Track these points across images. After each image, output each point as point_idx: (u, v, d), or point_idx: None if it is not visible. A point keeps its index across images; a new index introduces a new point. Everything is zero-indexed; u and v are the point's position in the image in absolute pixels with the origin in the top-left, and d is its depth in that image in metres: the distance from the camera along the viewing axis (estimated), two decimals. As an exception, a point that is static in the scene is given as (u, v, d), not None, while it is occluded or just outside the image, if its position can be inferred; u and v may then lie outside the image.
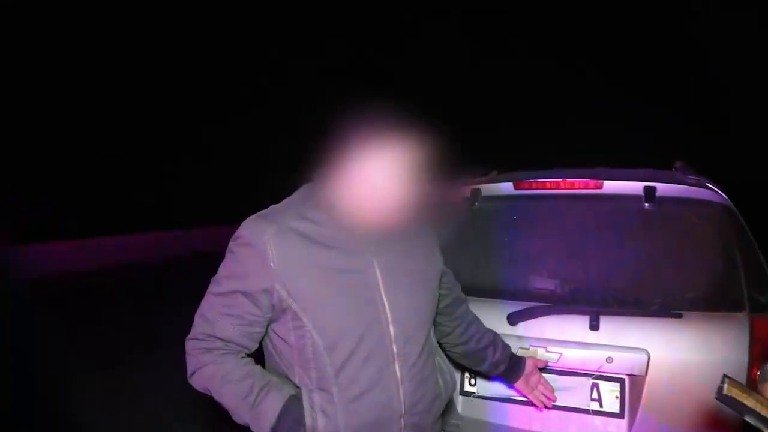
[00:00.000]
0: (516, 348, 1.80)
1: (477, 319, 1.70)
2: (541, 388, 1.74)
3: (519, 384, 1.73)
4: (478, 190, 2.22)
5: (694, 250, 1.85)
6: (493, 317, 1.87)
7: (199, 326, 1.31)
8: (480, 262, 2.05)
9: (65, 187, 11.91)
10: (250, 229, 1.26)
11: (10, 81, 10.99)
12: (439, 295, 1.52)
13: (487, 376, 1.82)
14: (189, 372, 1.32)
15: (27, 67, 11.95)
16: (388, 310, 1.30)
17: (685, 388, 1.64)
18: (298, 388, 1.28)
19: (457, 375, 1.92)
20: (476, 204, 2.20)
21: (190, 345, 1.32)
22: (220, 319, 1.27)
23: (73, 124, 12.62)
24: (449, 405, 1.91)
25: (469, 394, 1.90)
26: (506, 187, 2.18)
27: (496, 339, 1.70)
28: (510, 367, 1.69)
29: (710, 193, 1.98)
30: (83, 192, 12.31)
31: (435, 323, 1.57)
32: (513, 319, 1.82)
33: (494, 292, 1.95)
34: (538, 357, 1.77)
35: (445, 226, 2.22)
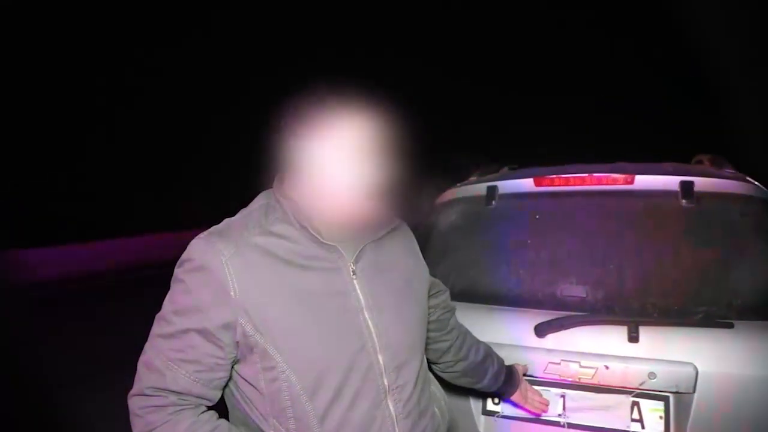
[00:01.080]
0: (545, 363, 1.63)
1: (468, 330, 1.55)
2: (530, 393, 1.62)
3: (516, 395, 1.58)
4: (495, 187, 2.04)
5: (739, 250, 1.67)
6: (517, 329, 1.70)
7: (145, 379, 1.04)
8: (500, 268, 1.87)
9: (62, 190, 11.74)
10: (202, 250, 1.03)
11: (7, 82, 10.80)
12: (429, 307, 1.34)
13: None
14: None
15: (25, 69, 11.76)
16: (375, 337, 1.09)
17: (738, 407, 1.46)
18: None
19: (479, 393, 1.74)
20: (493, 203, 2.02)
21: (135, 403, 1.06)
22: (171, 368, 1.02)
23: (67, 126, 12.44)
24: (469, 426, 1.75)
25: (492, 413, 1.72)
26: (526, 184, 2.00)
27: (489, 348, 1.56)
28: (507, 378, 1.55)
29: (752, 186, 1.82)
30: (81, 194, 12.14)
31: (428, 341, 1.39)
32: (541, 331, 1.63)
33: (518, 301, 1.77)
34: (571, 372, 1.59)
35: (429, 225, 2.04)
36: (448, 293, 1.50)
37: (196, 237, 1.06)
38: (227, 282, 1.00)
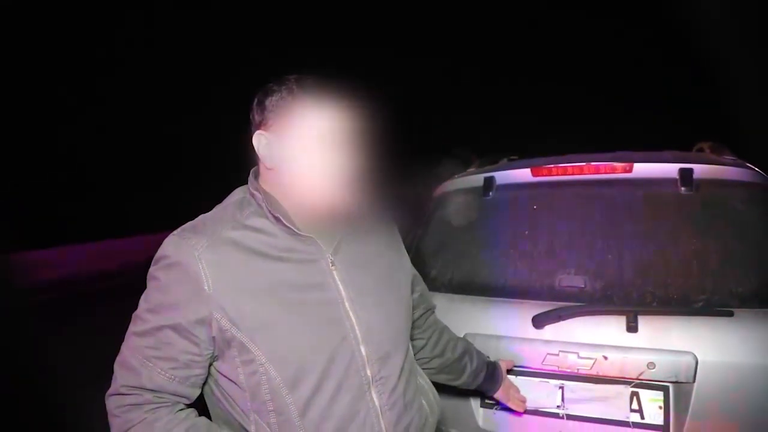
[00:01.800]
0: (543, 354, 1.61)
1: (447, 327, 1.54)
2: (513, 391, 1.60)
3: (500, 393, 1.57)
4: (492, 178, 2.02)
5: (739, 238, 1.65)
6: (515, 320, 1.68)
7: (121, 377, 1.03)
8: (497, 259, 1.85)
9: (65, 191, 11.75)
10: (175, 246, 1.02)
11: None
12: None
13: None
14: None
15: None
16: (356, 328, 1.08)
17: (738, 396, 1.44)
18: None
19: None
20: (490, 194, 2.00)
21: (112, 403, 1.05)
22: (147, 365, 1.01)
23: (68, 126, 12.43)
24: (467, 418, 1.73)
25: (490, 405, 1.71)
26: (523, 174, 1.98)
27: (469, 345, 1.55)
28: (488, 375, 1.54)
29: (752, 173, 1.79)
30: (84, 194, 12.16)
31: None
32: (539, 322, 1.62)
33: (515, 292, 1.75)
34: (569, 363, 1.58)
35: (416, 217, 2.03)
36: (426, 290, 1.49)
37: (170, 234, 1.05)
38: (201, 277, 0.99)
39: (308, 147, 1.04)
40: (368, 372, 1.09)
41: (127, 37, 14.16)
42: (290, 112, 1.04)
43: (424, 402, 1.27)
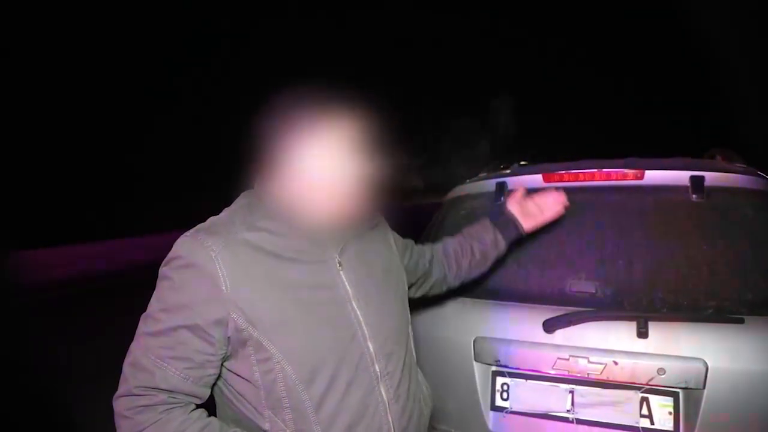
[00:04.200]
0: (554, 359, 1.63)
1: (442, 242, 1.65)
2: (537, 200, 1.68)
3: (527, 226, 1.66)
4: (504, 183, 2.04)
5: (750, 246, 1.65)
6: (526, 324, 1.70)
7: (132, 378, 1.02)
8: (509, 264, 1.87)
9: (63, 192, 11.81)
10: (191, 246, 1.03)
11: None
12: (412, 270, 1.48)
13: (522, 391, 1.66)
14: None
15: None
16: (363, 326, 1.13)
17: (748, 403, 1.45)
18: None
19: (487, 388, 1.75)
20: (502, 199, 2.01)
21: (121, 405, 1.03)
22: (160, 366, 1.01)
23: (71, 125, 12.50)
24: (477, 421, 1.75)
25: (500, 409, 1.72)
26: (535, 180, 1.99)
27: (468, 234, 1.65)
28: (504, 227, 1.64)
29: (763, 181, 1.80)
30: (82, 195, 12.24)
31: (430, 286, 1.59)
32: (550, 326, 1.63)
33: (527, 297, 1.77)
34: (580, 367, 1.59)
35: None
36: (417, 247, 1.56)
37: (182, 235, 1.07)
38: (219, 278, 1.01)
39: (319, 154, 1.07)
40: (377, 367, 1.13)
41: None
42: (302, 119, 1.07)
43: (420, 396, 1.32)
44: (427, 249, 1.59)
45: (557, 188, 1.76)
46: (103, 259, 10.55)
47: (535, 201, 1.68)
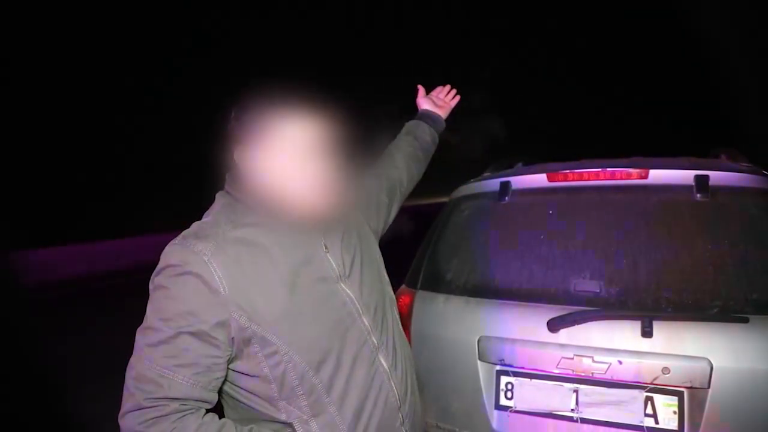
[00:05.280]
0: (558, 358, 1.63)
1: (397, 150, 1.72)
2: (435, 94, 1.88)
3: (443, 113, 1.86)
4: (508, 183, 2.04)
5: (755, 245, 1.65)
6: (530, 323, 1.70)
7: (138, 393, 1.00)
8: (513, 263, 1.87)
9: (66, 191, 11.83)
10: (182, 254, 1.03)
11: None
12: (389, 206, 1.59)
13: (527, 390, 1.66)
14: None
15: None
16: (356, 302, 1.17)
17: (753, 403, 1.45)
18: (288, 424, 1.08)
19: (492, 387, 1.75)
20: (506, 199, 2.02)
21: (131, 421, 1.00)
22: (166, 375, 1.00)
23: (75, 125, 12.51)
24: (481, 420, 1.75)
25: (505, 408, 1.72)
26: (539, 180, 2.00)
27: (408, 129, 1.79)
28: (435, 123, 1.82)
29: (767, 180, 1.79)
30: (98, 192, 12.27)
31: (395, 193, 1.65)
32: (554, 326, 1.63)
33: (531, 296, 1.77)
34: (584, 366, 1.59)
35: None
36: (383, 176, 1.63)
37: (170, 243, 1.07)
38: (215, 280, 1.01)
39: (287, 154, 1.10)
40: (374, 339, 1.17)
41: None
42: (268, 124, 1.10)
43: (408, 352, 1.37)
44: (384, 179, 1.65)
45: (561, 188, 1.76)
46: (104, 258, 10.57)
47: (435, 95, 1.88)
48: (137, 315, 1.08)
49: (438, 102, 1.85)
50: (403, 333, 1.43)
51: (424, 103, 1.84)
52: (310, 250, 1.15)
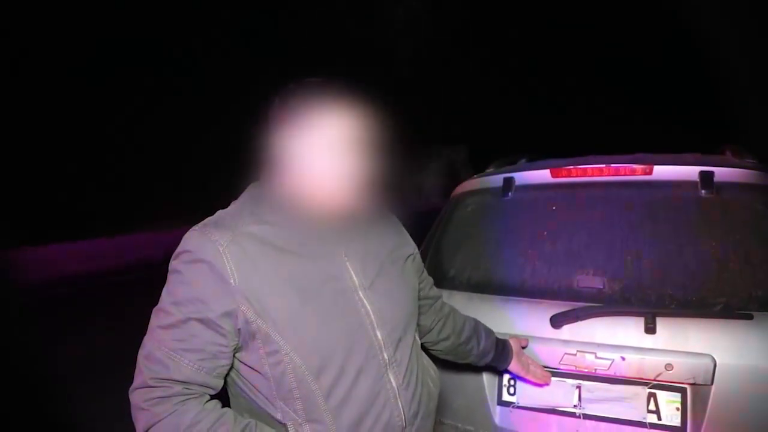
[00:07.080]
0: (561, 354, 1.63)
1: (453, 311, 1.58)
2: (533, 367, 1.64)
3: (513, 367, 1.61)
4: (511, 179, 2.04)
5: (759, 241, 1.65)
6: (533, 319, 1.70)
7: (147, 370, 1.04)
8: (516, 259, 1.87)
9: (63, 188, 11.83)
10: (199, 241, 1.05)
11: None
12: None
13: (529, 386, 1.66)
14: (140, 431, 1.05)
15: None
16: (372, 315, 1.14)
17: (757, 400, 1.45)
18: (283, 425, 1.08)
19: (495, 382, 1.75)
20: (510, 194, 2.01)
21: (138, 396, 1.05)
22: (174, 357, 1.03)
23: (76, 124, 12.52)
24: (484, 416, 1.76)
25: (507, 403, 1.73)
26: (542, 175, 1.99)
27: (477, 327, 1.59)
28: (498, 355, 1.59)
29: (773, 177, 1.78)
30: (99, 189, 12.30)
31: None
32: (557, 322, 1.63)
33: (534, 292, 1.77)
34: (587, 363, 1.59)
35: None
36: (430, 278, 1.54)
37: (191, 229, 1.08)
38: (226, 271, 1.02)
39: (323, 148, 1.08)
40: (385, 355, 1.14)
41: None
42: (307, 113, 1.07)
43: (428, 379, 1.32)
44: (438, 298, 1.56)
45: (565, 184, 1.74)
46: (105, 256, 10.58)
47: (533, 363, 1.65)
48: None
49: (525, 366, 1.63)
50: (431, 362, 1.41)
51: (518, 354, 1.62)
52: (329, 255, 1.14)
